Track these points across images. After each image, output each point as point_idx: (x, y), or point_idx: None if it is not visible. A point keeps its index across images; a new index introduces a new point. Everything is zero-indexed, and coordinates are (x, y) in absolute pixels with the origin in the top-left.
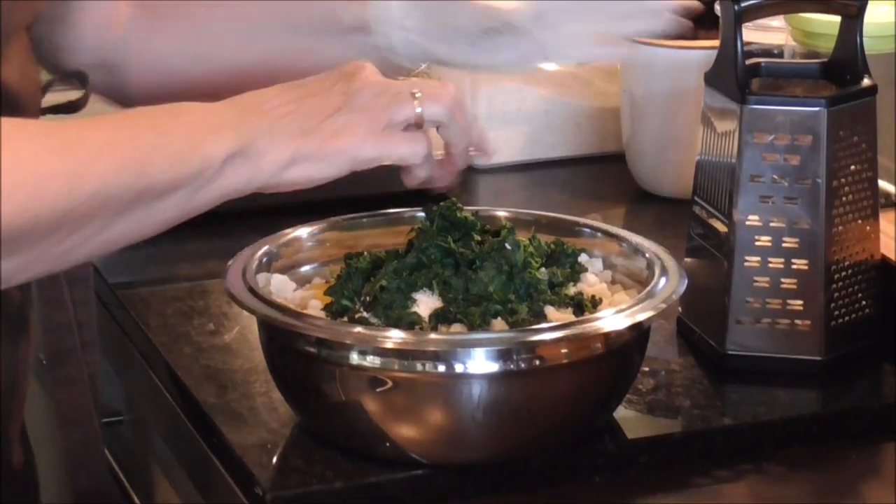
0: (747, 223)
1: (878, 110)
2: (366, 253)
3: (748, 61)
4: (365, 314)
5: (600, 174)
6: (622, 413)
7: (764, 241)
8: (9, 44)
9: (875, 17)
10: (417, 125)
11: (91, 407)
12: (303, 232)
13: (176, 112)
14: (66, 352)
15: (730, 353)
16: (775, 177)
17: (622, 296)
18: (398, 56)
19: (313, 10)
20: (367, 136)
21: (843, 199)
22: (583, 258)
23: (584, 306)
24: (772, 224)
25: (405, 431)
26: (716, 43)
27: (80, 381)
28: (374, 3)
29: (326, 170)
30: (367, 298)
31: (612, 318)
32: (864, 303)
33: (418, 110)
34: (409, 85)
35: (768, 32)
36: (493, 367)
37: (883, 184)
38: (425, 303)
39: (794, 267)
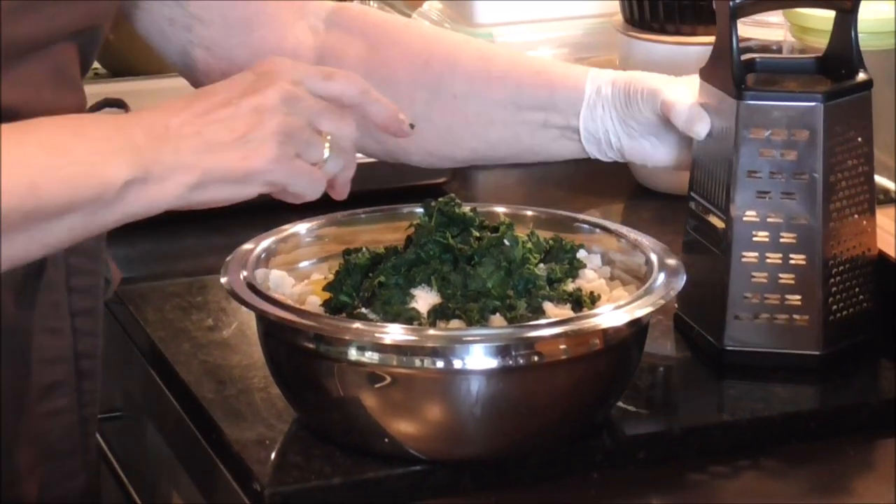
0: (744, 219)
1: (876, 107)
2: (364, 249)
3: (743, 57)
4: (363, 310)
5: (599, 170)
6: (621, 409)
7: (761, 236)
8: (17, 65)
9: (874, 13)
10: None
11: (77, 440)
12: (301, 228)
13: (77, 130)
14: (58, 383)
15: (728, 348)
16: (772, 172)
17: (621, 292)
18: (592, 148)
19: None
20: (278, 162)
21: (840, 194)
22: (581, 254)
23: (582, 302)
24: (769, 219)
25: (404, 427)
26: (713, 38)
27: (69, 413)
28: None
29: (235, 192)
30: (366, 294)
31: (611, 314)
32: (861, 297)
33: (325, 156)
34: (318, 111)
35: (766, 28)
36: (492, 363)
37: (882, 180)
38: (424, 299)
39: (792, 262)
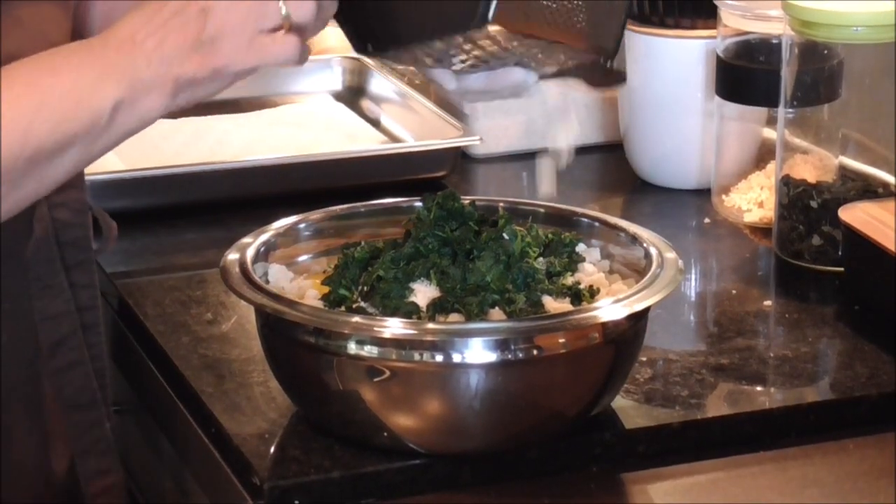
0: None
1: (877, 101)
2: (363, 242)
3: None
4: (362, 304)
5: (598, 164)
6: (620, 403)
7: None
8: (9, 12)
9: (874, 7)
10: (286, 28)
11: (96, 389)
12: (300, 222)
13: (53, 67)
14: (64, 338)
15: None
16: None
17: (620, 285)
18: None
19: None
20: (240, 50)
21: None
22: (580, 248)
23: (581, 296)
24: None
25: (403, 421)
26: (713, 32)
27: (82, 365)
28: None
29: (212, 89)
30: (365, 288)
31: (610, 308)
32: None
33: (284, 13)
34: None
35: (766, 22)
36: (491, 356)
37: (883, 174)
38: (423, 292)
39: None
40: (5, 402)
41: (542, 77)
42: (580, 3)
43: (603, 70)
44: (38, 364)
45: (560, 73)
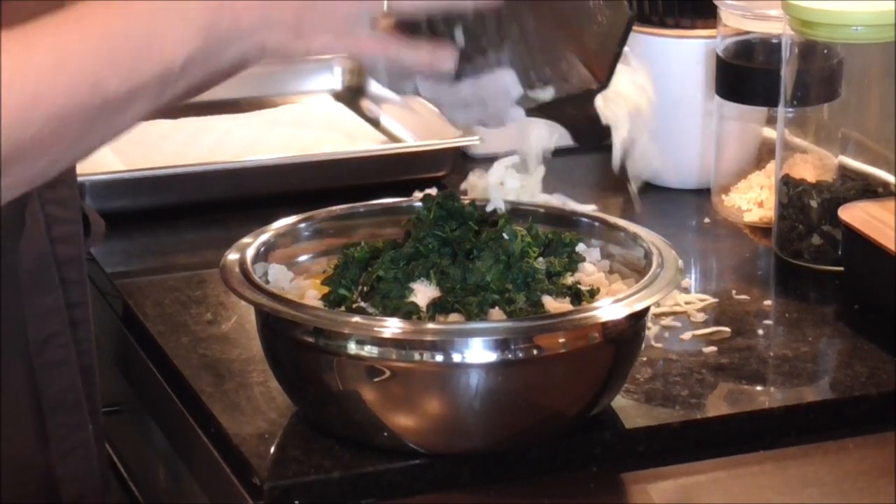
0: None
1: (876, 100)
2: (363, 242)
3: None
4: (362, 304)
5: (598, 163)
6: (620, 402)
7: None
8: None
9: (874, 6)
10: (384, 24)
11: (80, 390)
12: (300, 222)
13: (125, 8)
14: (53, 334)
15: None
16: None
17: (620, 285)
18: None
19: None
20: (335, 38)
21: None
22: (580, 248)
23: (581, 296)
24: None
25: (403, 421)
26: (713, 32)
27: (68, 364)
28: None
29: (287, 60)
30: (365, 288)
31: (610, 308)
32: None
33: (385, 8)
34: None
35: (766, 22)
36: (491, 356)
37: (882, 174)
38: (423, 292)
39: None
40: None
41: (529, 112)
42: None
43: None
44: (29, 361)
45: (547, 107)
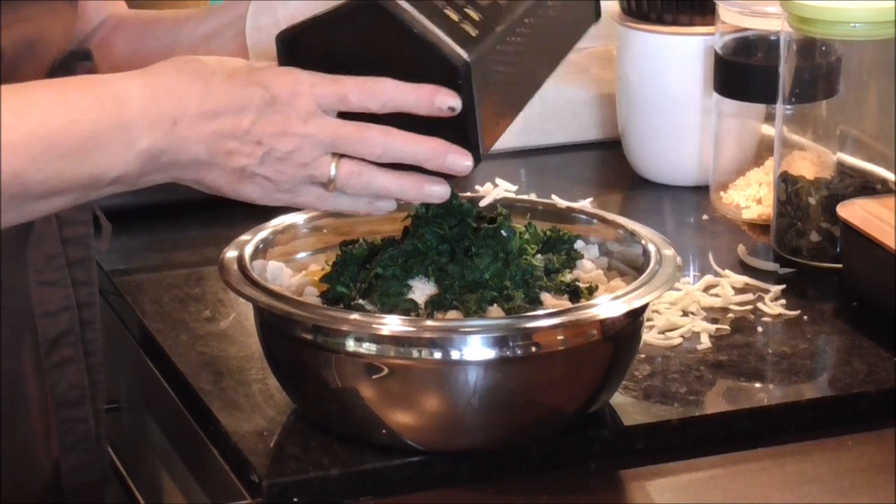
0: None
1: (876, 98)
2: (362, 240)
3: None
4: (361, 301)
5: (596, 161)
6: (618, 399)
7: None
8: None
9: (872, 3)
10: (329, 188)
11: (86, 387)
12: (299, 219)
13: (71, 109)
14: (63, 333)
15: None
16: None
17: (618, 282)
18: None
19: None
20: (276, 191)
21: None
22: (579, 245)
23: (580, 293)
24: None
25: (401, 418)
26: (711, 29)
27: (76, 362)
28: None
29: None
30: (363, 285)
31: (608, 305)
32: None
33: (332, 174)
34: (329, 141)
35: (764, 18)
36: (490, 353)
37: (881, 170)
38: (421, 290)
39: None
40: (6, 397)
41: None
42: None
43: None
44: (39, 359)
45: None
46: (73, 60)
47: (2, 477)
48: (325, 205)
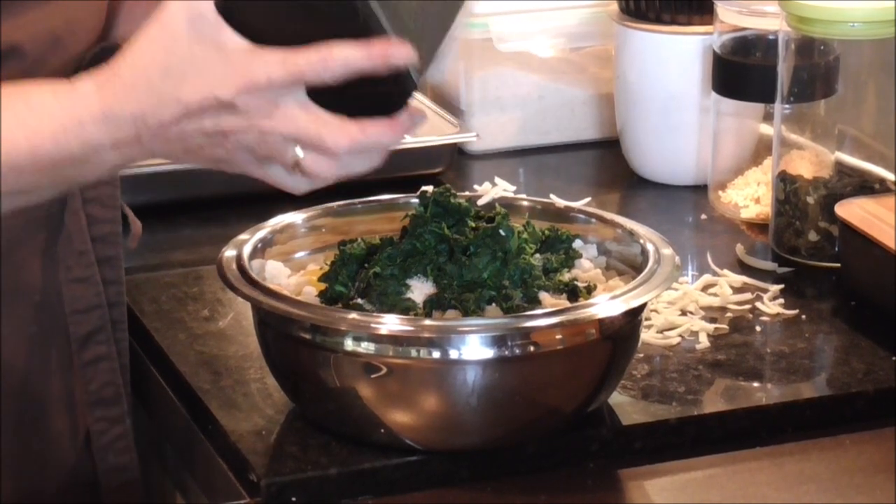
0: None
1: (876, 97)
2: (360, 239)
3: None
4: (359, 300)
5: (595, 160)
6: (617, 399)
7: None
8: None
9: (871, 3)
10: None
11: (120, 385)
12: (297, 218)
13: (37, 121)
14: (94, 331)
15: None
16: None
17: (617, 282)
18: None
19: None
20: (246, 167)
21: None
22: (577, 244)
23: (578, 292)
24: None
25: (400, 417)
26: (709, 28)
27: (109, 360)
28: None
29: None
30: (362, 285)
31: (607, 304)
32: None
33: (301, 155)
34: (293, 135)
35: (762, 18)
36: (488, 353)
37: (879, 170)
38: (419, 289)
39: None
40: (33, 396)
41: None
42: None
43: None
44: (70, 357)
45: None
46: (103, 54)
47: (31, 476)
48: (290, 187)
